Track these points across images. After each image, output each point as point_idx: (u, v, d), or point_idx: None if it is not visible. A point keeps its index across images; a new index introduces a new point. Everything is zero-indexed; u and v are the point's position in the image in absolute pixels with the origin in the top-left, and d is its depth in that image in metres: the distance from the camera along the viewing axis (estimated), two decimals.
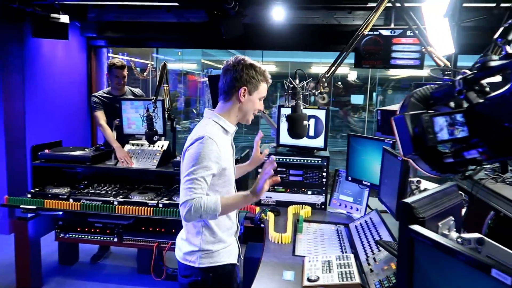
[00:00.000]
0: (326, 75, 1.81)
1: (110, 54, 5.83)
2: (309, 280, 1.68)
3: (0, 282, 3.12)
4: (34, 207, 2.93)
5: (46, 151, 3.22)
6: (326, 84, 1.77)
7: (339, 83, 10.98)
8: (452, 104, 0.79)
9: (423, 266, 0.81)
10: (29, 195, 3.00)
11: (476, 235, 1.12)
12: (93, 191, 3.02)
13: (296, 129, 1.81)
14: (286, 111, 2.85)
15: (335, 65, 1.87)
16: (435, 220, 1.13)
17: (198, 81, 12.81)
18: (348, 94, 11.68)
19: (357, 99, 11.87)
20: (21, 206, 2.96)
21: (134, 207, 2.80)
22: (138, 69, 6.97)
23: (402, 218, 1.05)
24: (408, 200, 1.08)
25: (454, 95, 0.75)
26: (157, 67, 8.59)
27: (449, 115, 0.73)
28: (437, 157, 0.80)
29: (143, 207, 2.79)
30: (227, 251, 1.75)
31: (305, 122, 1.82)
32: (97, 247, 3.72)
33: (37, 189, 3.07)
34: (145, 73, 7.17)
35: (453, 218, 1.20)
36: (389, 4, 1.91)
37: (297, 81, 1.79)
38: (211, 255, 1.70)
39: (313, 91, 1.80)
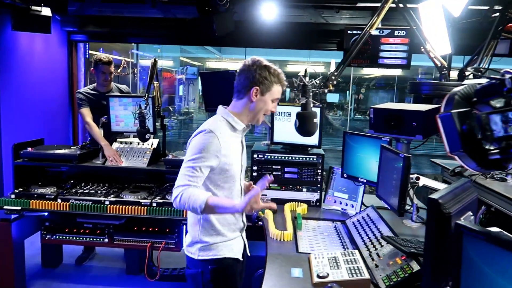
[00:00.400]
0: (335, 73, 1.82)
1: (92, 51, 5.63)
2: (319, 276, 1.69)
3: None
4: (19, 208, 2.81)
5: (29, 149, 3.09)
6: (335, 82, 1.79)
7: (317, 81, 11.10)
8: (494, 102, 0.82)
9: (474, 260, 0.83)
10: (12, 196, 2.88)
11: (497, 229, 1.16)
12: (81, 190, 2.92)
13: (306, 127, 1.83)
14: (279, 108, 2.86)
15: (344, 64, 1.89)
16: (458, 216, 1.16)
17: (174, 78, 12.64)
18: (324, 92, 11.83)
19: (332, 97, 12.06)
20: (5, 207, 2.83)
21: (127, 206, 2.74)
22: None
23: (430, 214, 1.07)
24: (435, 196, 1.10)
25: (502, 93, 0.77)
26: (137, 63, 8.41)
27: (502, 113, 0.76)
28: (483, 154, 0.83)
29: (136, 207, 2.73)
30: (227, 245, 1.77)
31: (315, 120, 1.84)
32: (81, 249, 3.60)
33: (21, 189, 2.94)
34: (119, 70, 7.01)
35: (471, 213, 1.24)
36: (393, 5, 1.94)
37: (307, 78, 1.80)
38: (209, 247, 1.74)
39: (321, 89, 1.82)
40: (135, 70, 8.10)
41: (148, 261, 2.81)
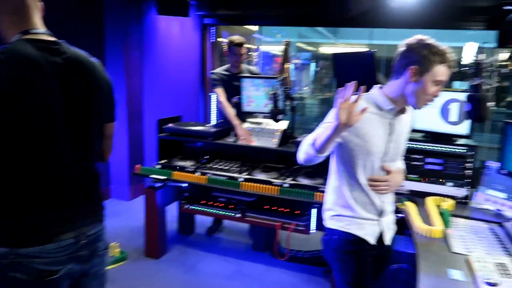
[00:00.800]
0: None
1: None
2: (489, 283, 1.49)
3: (128, 245, 3.37)
4: (164, 177, 3.08)
5: (170, 125, 3.36)
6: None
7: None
8: None
9: None
10: (158, 166, 3.17)
11: None
12: (216, 166, 3.08)
13: (480, 111, 1.61)
14: None
15: None
16: None
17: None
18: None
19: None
20: (152, 176, 3.13)
21: (259, 184, 2.80)
22: None
23: None
24: None
25: None
26: (258, 48, 8.59)
27: None
28: None
29: (268, 186, 2.78)
30: (358, 222, 1.71)
31: (489, 104, 1.60)
32: (211, 220, 3.85)
33: (165, 161, 3.22)
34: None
35: None
36: None
37: (483, 56, 1.57)
38: (339, 218, 1.73)
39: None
40: (256, 54, 8.30)
41: (276, 241, 2.85)
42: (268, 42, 9.37)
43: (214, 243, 3.59)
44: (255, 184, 2.81)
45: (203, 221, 3.87)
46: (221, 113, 3.71)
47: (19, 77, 1.09)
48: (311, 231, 2.84)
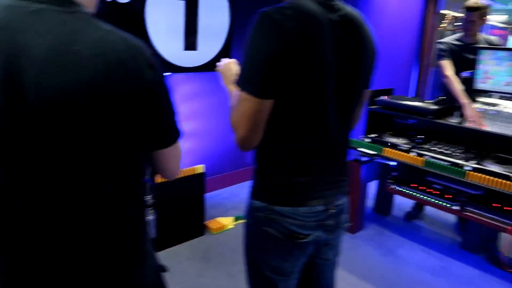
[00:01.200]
0: None
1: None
2: None
3: None
4: (374, 152, 2.93)
5: (384, 97, 3.14)
6: None
7: None
8: None
9: None
10: (367, 140, 3.02)
11: None
12: (434, 148, 2.74)
13: None
14: None
15: None
16: None
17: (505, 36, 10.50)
18: None
19: None
20: (360, 149, 3.02)
21: (491, 177, 2.35)
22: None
23: None
24: None
25: None
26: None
27: None
28: None
29: (504, 181, 2.30)
30: None
31: None
32: (411, 205, 3.54)
33: (375, 135, 3.06)
34: (445, 24, 6.26)
35: None
36: None
37: None
38: None
39: None
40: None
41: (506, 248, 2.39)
42: (496, 10, 7.86)
43: (414, 231, 3.29)
44: (486, 176, 2.37)
45: (401, 204, 3.60)
46: (440, 89, 3.28)
47: (305, 32, 1.06)
48: None
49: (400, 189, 2.90)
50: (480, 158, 2.58)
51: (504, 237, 2.46)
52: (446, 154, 2.64)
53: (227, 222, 3.21)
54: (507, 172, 2.36)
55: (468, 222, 3.03)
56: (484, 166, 2.46)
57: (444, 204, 2.67)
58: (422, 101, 3.11)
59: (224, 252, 2.83)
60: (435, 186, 2.71)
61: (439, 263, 2.83)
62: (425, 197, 2.77)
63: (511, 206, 2.39)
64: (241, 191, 3.87)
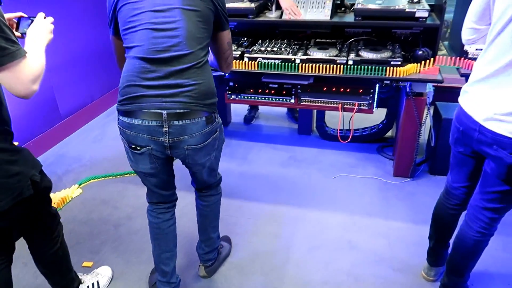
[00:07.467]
0: None
1: None
2: None
3: None
4: None
5: None
6: None
7: None
8: None
9: None
10: None
11: None
12: (262, 49, 2.71)
13: None
14: None
15: None
16: None
17: None
18: None
19: None
20: None
21: (320, 64, 2.49)
22: None
23: None
24: None
25: None
26: None
27: None
28: None
29: (331, 65, 2.48)
30: None
31: None
32: (247, 108, 3.62)
33: None
34: None
35: None
36: None
37: None
38: None
39: None
40: None
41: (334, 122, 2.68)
42: None
43: (257, 132, 3.42)
44: (315, 65, 2.50)
45: (236, 110, 3.64)
46: None
47: None
48: (375, 109, 2.66)
49: (238, 97, 2.85)
50: (304, 49, 2.68)
51: (338, 115, 2.72)
52: (275, 52, 2.64)
53: (68, 192, 2.64)
54: (331, 56, 2.52)
55: (299, 110, 3.30)
56: (311, 55, 2.57)
57: (281, 100, 2.76)
58: (238, 1, 2.94)
59: (75, 229, 2.36)
60: (272, 86, 2.75)
61: (286, 154, 3.06)
62: (263, 99, 2.81)
63: (338, 87, 2.63)
64: (66, 149, 3.19)
